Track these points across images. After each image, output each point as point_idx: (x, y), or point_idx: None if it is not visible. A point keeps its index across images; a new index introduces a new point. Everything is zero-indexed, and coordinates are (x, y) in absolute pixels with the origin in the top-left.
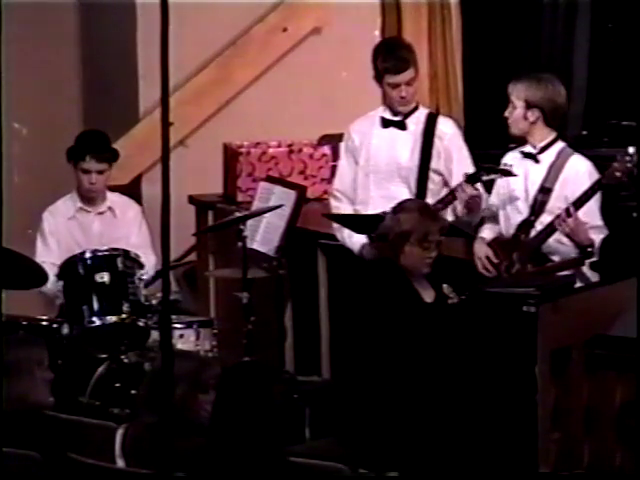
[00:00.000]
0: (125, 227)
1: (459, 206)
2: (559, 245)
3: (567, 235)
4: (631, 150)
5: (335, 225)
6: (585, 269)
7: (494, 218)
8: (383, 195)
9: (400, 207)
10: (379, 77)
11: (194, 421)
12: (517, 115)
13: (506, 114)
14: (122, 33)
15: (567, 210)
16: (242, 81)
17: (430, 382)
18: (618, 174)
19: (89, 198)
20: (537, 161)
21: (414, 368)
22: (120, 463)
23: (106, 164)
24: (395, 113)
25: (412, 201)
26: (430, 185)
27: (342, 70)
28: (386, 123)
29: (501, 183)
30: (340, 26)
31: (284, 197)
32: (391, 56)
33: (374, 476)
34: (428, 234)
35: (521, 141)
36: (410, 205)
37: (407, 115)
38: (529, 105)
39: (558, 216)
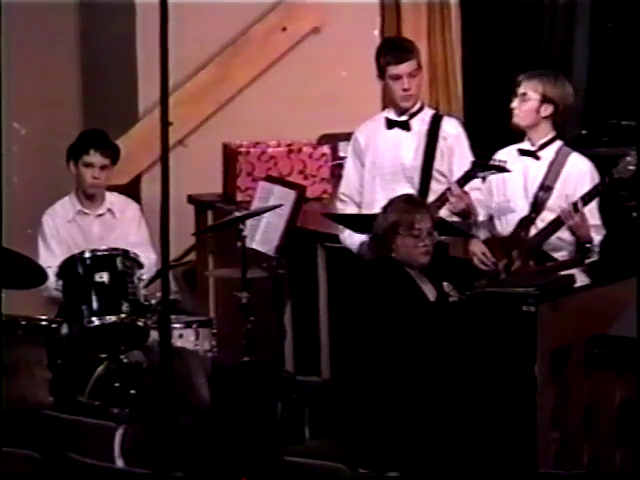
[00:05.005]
0: (124, 227)
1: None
2: (560, 242)
3: (570, 229)
4: None
5: (340, 226)
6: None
7: (489, 219)
8: (389, 197)
9: (388, 203)
10: (382, 74)
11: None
12: (530, 107)
13: (514, 105)
14: (121, 33)
15: (575, 204)
16: (241, 81)
17: (431, 381)
18: (631, 167)
19: (90, 196)
20: (537, 158)
21: (415, 366)
22: (119, 463)
23: (109, 160)
24: (399, 113)
25: (399, 195)
26: (435, 185)
27: (341, 69)
28: (390, 124)
29: (498, 180)
30: (339, 25)
31: (283, 197)
32: (392, 48)
33: (373, 476)
34: (414, 222)
35: (520, 139)
36: (396, 198)
37: (412, 116)
38: (545, 99)
39: (565, 211)
